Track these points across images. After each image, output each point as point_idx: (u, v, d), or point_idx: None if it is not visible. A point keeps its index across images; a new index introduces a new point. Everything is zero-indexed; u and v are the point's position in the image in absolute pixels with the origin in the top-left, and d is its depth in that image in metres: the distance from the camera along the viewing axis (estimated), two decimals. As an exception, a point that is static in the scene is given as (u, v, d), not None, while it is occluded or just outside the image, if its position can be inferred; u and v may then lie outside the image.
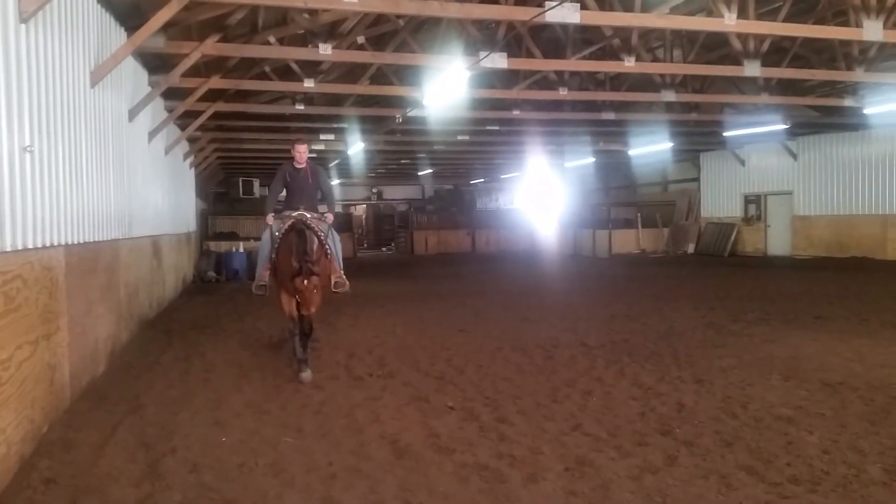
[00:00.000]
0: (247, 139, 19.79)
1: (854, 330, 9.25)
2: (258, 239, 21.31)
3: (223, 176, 30.86)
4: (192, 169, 19.15)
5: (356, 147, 20.45)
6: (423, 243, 31.03)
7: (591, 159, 27.04)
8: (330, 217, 7.57)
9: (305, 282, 6.63)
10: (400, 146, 22.70)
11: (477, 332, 9.84)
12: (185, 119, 14.34)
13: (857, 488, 4.10)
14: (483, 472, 4.46)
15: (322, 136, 19.40)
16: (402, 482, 4.32)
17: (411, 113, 15.21)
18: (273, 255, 7.30)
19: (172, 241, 14.30)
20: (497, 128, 19.30)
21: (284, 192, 7.80)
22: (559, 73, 13.50)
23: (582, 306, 12.43)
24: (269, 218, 7.56)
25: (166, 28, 8.99)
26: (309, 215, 7.34)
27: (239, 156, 23.91)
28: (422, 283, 17.34)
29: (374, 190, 39.31)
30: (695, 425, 5.35)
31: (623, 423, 5.48)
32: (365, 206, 39.76)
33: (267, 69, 12.54)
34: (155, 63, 11.07)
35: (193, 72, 11.20)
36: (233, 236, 22.51)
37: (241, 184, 30.25)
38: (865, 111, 16.06)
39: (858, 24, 9.81)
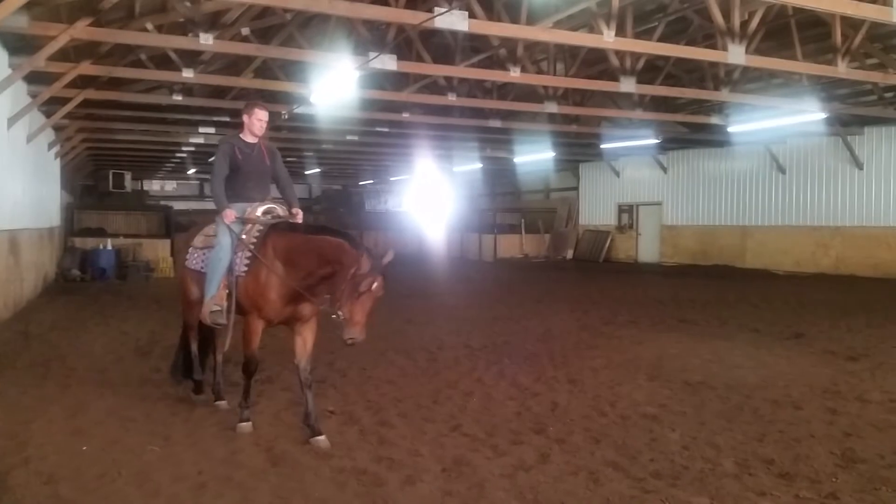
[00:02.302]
0: (119, 129, 18.70)
1: (714, 333, 9.94)
2: (129, 236, 20.33)
3: (92, 168, 29.01)
4: (58, 159, 17.83)
5: (239, 143, 19.78)
6: (309, 244, 30.50)
7: (479, 165, 27.60)
8: (300, 215, 5.67)
9: (375, 285, 4.74)
10: (286, 143, 22.14)
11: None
12: (51, 106, 13.36)
13: (713, 481, 4.39)
14: (361, 476, 4.42)
15: (201, 130, 18.63)
16: (276, 489, 4.20)
17: (298, 110, 14.91)
18: (244, 270, 5.29)
19: (33, 236, 13.24)
20: (386, 129, 19.30)
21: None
22: (448, 79, 13.67)
23: (466, 309, 12.63)
24: (230, 214, 5.37)
25: (31, 6, 8.32)
26: (280, 210, 5.65)
27: (110, 147, 22.57)
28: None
29: (259, 188, 38.20)
30: (567, 423, 5.56)
31: (500, 422, 5.60)
32: (248, 204, 38.62)
33: (143, 57, 11.87)
34: (17, 44, 10.23)
35: (62, 56, 10.45)
36: (100, 232, 21.11)
37: (111, 177, 28.55)
38: (729, 129, 17.35)
39: (724, 48, 10.56)
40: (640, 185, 25.87)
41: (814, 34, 12.43)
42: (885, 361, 7.87)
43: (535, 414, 5.87)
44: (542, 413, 5.90)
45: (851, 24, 10.88)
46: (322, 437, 5.02)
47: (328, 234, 5.13)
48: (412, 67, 11.81)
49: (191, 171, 34.02)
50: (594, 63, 14.81)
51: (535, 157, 23.58)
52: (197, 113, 17.05)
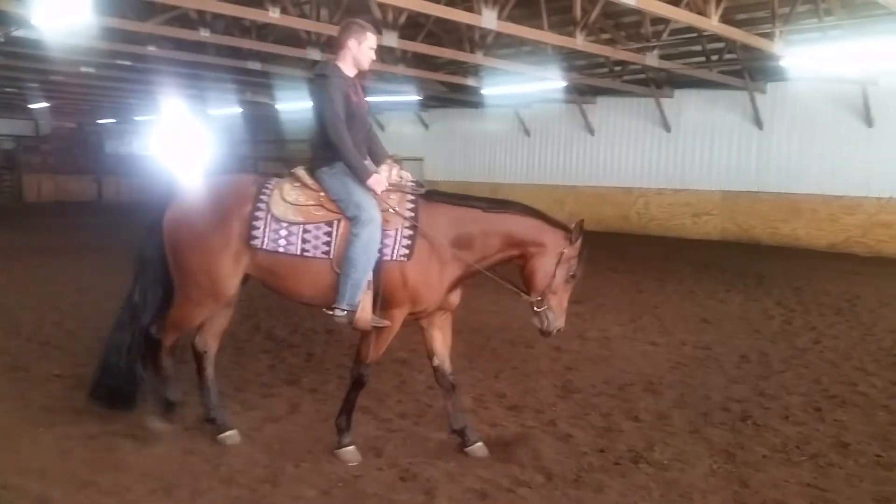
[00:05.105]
0: None
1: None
2: None
3: None
4: None
5: (-60, 65, 16.59)
6: (36, 189, 26.79)
7: (239, 109, 26.19)
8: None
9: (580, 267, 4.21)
10: (4, 71, 19.08)
11: (98, 290, 8.83)
12: None
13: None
14: (89, 442, 4.06)
15: None
16: (-17, 464, 3.70)
17: (17, 33, 12.83)
18: (403, 254, 3.97)
19: None
20: (129, 63, 17.42)
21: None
22: (201, 13, 12.65)
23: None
24: (381, 181, 4.04)
25: None
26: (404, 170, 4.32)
27: None
28: (34, 236, 15.00)
29: (-31, 121, 32.42)
30: (321, 373, 5.61)
31: (252, 376, 5.48)
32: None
33: None
34: None
35: None
36: None
37: None
38: (482, 91, 18.33)
39: (479, 12, 11.03)
40: (403, 141, 26.42)
41: (559, 6, 13.47)
42: (602, 304, 9.02)
43: (289, 366, 5.83)
44: (296, 364, 5.88)
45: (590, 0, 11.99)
46: (481, 444, 4.19)
47: (506, 209, 4.14)
48: (159, -4, 10.72)
49: None
50: (358, 13, 14.65)
51: (299, 104, 22.92)
52: None
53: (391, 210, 3.98)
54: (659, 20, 12.91)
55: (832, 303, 9.32)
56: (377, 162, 4.26)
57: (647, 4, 9.71)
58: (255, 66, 16.24)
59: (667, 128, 19.07)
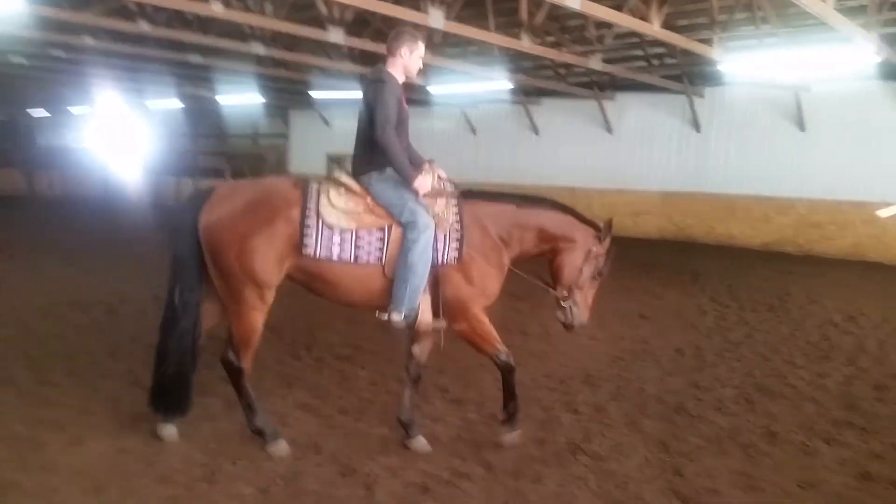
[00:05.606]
0: None
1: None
2: None
3: None
4: None
5: None
6: (-38, 183, 25.56)
7: (179, 103, 25.53)
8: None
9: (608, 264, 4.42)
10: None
11: (26, 287, 8.53)
12: None
13: (394, 412, 4.69)
14: (14, 442, 3.90)
15: None
16: None
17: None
18: (454, 256, 4.09)
19: None
20: (63, 54, 16.78)
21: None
22: (141, 5, 12.27)
23: (155, 257, 11.70)
24: (425, 184, 4.15)
25: None
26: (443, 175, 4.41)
27: None
28: (-43, 231, 14.32)
29: None
30: (259, 370, 5.47)
31: (188, 374, 5.33)
32: None
33: None
34: None
35: None
36: None
37: None
38: (430, 90, 18.32)
39: (426, 11, 11.02)
40: (349, 136, 25.71)
41: (505, 8, 13.57)
42: (542, 300, 9.08)
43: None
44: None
45: (535, 2, 12.11)
46: (422, 439, 4.26)
47: (539, 205, 4.34)
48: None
49: None
50: (303, 8, 14.47)
51: (241, 98, 22.50)
52: None
53: (440, 215, 4.10)
54: (602, 24, 13.14)
55: (764, 299, 9.67)
56: (416, 166, 4.31)
57: (591, 9, 9.86)
58: (196, 59, 15.85)
59: (609, 129, 19.44)
